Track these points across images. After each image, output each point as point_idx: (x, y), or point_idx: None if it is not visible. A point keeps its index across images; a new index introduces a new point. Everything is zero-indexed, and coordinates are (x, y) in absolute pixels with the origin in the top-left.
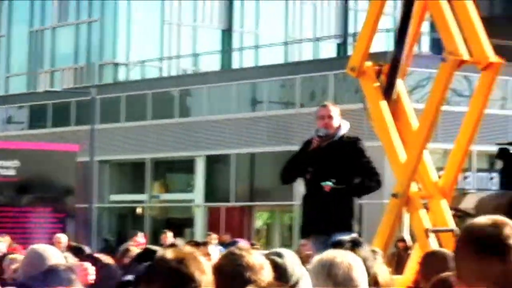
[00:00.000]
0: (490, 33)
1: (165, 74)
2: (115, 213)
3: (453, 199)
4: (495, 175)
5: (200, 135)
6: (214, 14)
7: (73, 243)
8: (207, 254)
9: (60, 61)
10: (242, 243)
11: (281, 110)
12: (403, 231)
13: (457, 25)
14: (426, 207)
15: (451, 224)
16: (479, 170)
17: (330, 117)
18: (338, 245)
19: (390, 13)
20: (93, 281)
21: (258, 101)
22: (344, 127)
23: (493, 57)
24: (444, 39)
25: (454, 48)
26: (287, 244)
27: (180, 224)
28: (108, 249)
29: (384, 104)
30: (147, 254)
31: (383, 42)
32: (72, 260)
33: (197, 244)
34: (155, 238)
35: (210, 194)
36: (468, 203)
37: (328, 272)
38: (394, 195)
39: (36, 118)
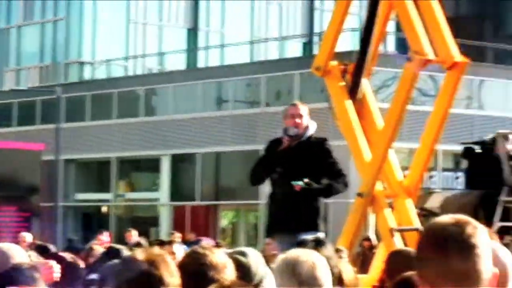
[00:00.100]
0: (456, 33)
1: (130, 73)
2: (80, 212)
3: (419, 198)
4: (461, 175)
5: (165, 134)
6: (180, 13)
7: (38, 242)
8: (172, 253)
9: (25, 59)
10: (206, 242)
11: (247, 109)
12: (368, 230)
13: (422, 25)
14: (391, 206)
15: (416, 223)
16: (445, 170)
17: (300, 116)
18: (302, 244)
19: (356, 13)
20: (57, 280)
21: (224, 100)
22: (312, 127)
23: (458, 56)
24: (410, 39)
25: (420, 47)
26: (252, 243)
27: (145, 223)
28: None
29: (349, 104)
30: (111, 253)
31: (349, 42)
32: (36, 259)
33: (162, 243)
34: (120, 237)
35: (176, 193)
36: (433, 202)
37: (292, 271)
38: (359, 195)
39: (1, 117)
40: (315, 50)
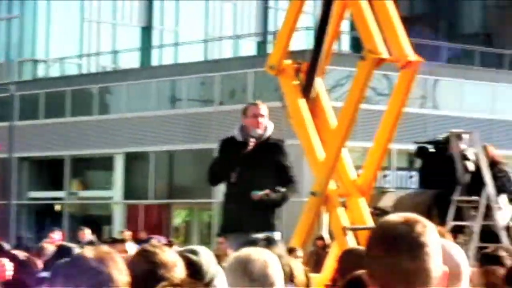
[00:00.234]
0: (410, 32)
1: (84, 71)
2: (34, 210)
3: (372, 197)
4: (415, 174)
5: (119, 132)
6: (134, 11)
7: None
8: (125, 251)
9: None
10: (157, 240)
11: (201, 107)
12: (321, 229)
13: (377, 24)
14: (344, 205)
15: (369, 222)
16: (399, 169)
17: (262, 116)
18: (253, 243)
19: (310, 12)
20: (10, 277)
21: (178, 98)
22: (270, 128)
23: (412, 56)
24: (364, 38)
25: (373, 46)
26: (206, 242)
27: (98, 221)
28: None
29: (302, 102)
30: (62, 251)
31: (303, 41)
32: None
33: (115, 241)
34: (73, 235)
35: (129, 191)
36: (387, 202)
37: (244, 269)
38: (313, 194)
39: None
40: (269, 49)
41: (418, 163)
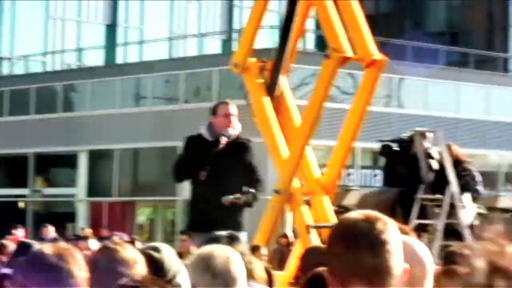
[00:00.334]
0: (375, 31)
1: (49, 69)
2: None
3: (336, 195)
4: (379, 172)
5: (83, 130)
6: (99, 9)
7: None
8: (88, 249)
9: None
10: (119, 237)
11: (165, 105)
12: (285, 227)
13: (341, 23)
14: (308, 203)
15: (333, 220)
16: (363, 167)
17: (233, 115)
18: (216, 240)
19: (275, 10)
20: None
21: (142, 96)
22: (238, 127)
23: (377, 54)
24: (328, 37)
25: (338, 45)
26: (169, 239)
27: (62, 219)
28: None
29: (267, 101)
30: (22, 248)
31: (268, 39)
32: None
33: (78, 238)
34: (37, 233)
35: (93, 189)
36: (351, 200)
37: (206, 264)
38: (277, 191)
39: None
40: (234, 47)
41: (382, 161)
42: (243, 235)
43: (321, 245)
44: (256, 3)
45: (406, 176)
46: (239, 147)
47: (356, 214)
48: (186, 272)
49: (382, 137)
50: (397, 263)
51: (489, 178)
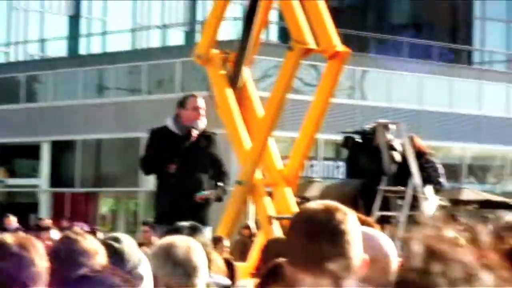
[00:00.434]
0: (339, 23)
1: (12, 59)
2: None
3: (299, 187)
4: (342, 164)
5: (46, 120)
6: (62, 0)
7: None
8: (49, 239)
9: None
10: (80, 227)
11: (128, 96)
12: (248, 218)
13: (304, 15)
14: (270, 194)
15: (295, 212)
16: (326, 159)
17: (202, 108)
18: (177, 231)
19: (238, 1)
20: None
21: (105, 87)
22: (205, 120)
23: (340, 46)
24: (291, 28)
25: (301, 37)
26: (132, 230)
27: (25, 209)
28: None
29: (229, 92)
30: None
31: (231, 31)
32: None
33: (40, 229)
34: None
35: (56, 179)
36: (313, 192)
37: (167, 254)
38: (239, 183)
39: None
40: (198, 39)
41: (345, 153)
42: (208, 230)
43: (283, 237)
44: None
45: (369, 168)
46: (206, 140)
47: (315, 205)
48: (148, 263)
49: (345, 129)
50: (356, 254)
51: (452, 171)
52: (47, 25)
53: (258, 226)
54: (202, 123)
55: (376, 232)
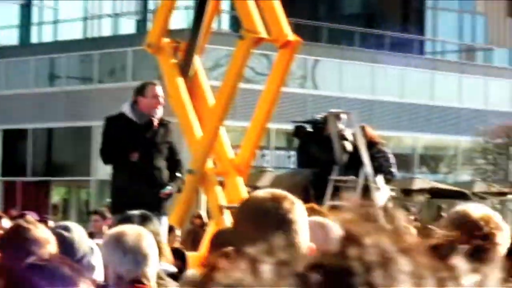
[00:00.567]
0: (290, 13)
1: None
2: None
3: (250, 176)
4: (293, 154)
5: None
6: None
7: None
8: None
9: None
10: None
11: (80, 85)
12: (200, 208)
13: (255, 4)
14: (222, 184)
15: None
16: (277, 148)
17: (162, 97)
18: (128, 219)
19: None
20: None
21: (57, 76)
22: (162, 109)
23: (291, 35)
24: (242, 17)
25: (252, 26)
26: (83, 219)
27: None
28: None
29: (180, 81)
30: None
31: (182, 19)
32: None
33: None
34: None
35: (7, 168)
36: (265, 181)
37: (117, 241)
38: (190, 172)
39: None
40: (149, 28)
41: (296, 143)
42: (164, 219)
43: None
44: None
45: (320, 157)
46: (163, 127)
47: (262, 193)
48: (98, 252)
49: (297, 118)
50: (303, 242)
51: (404, 161)
52: None
53: (209, 216)
54: (160, 112)
55: (328, 221)
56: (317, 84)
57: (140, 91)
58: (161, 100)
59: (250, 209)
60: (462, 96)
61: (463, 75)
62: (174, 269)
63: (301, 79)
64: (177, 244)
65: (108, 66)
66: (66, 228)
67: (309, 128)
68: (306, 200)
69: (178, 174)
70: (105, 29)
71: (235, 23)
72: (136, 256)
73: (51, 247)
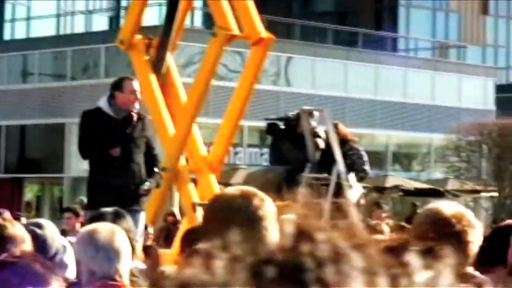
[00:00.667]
0: (263, 10)
1: None
2: None
3: (223, 174)
4: (266, 151)
5: None
6: None
7: None
8: None
9: None
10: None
11: (53, 82)
12: (173, 205)
13: (228, 1)
14: (195, 181)
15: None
16: (250, 146)
17: (139, 92)
18: (101, 216)
19: None
20: None
21: (30, 73)
22: (138, 104)
23: (263, 32)
24: (215, 14)
25: (225, 23)
26: (57, 216)
27: None
28: None
29: (153, 78)
30: None
31: (154, 16)
32: None
33: None
34: None
35: None
36: (237, 178)
37: (89, 238)
38: (163, 169)
39: None
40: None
41: (269, 140)
42: (142, 215)
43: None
44: None
45: (293, 155)
46: (141, 122)
47: (232, 190)
48: (71, 249)
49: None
50: (273, 239)
51: (377, 158)
52: None
53: (182, 213)
54: (137, 106)
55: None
56: (290, 81)
57: (117, 86)
58: (138, 95)
59: (220, 206)
60: (435, 94)
61: (436, 72)
62: (143, 267)
63: (274, 76)
64: (149, 242)
65: (81, 63)
66: (39, 226)
67: (281, 126)
68: (279, 197)
69: (155, 169)
70: (78, 26)
71: (208, 20)
72: (109, 253)
73: (26, 245)
